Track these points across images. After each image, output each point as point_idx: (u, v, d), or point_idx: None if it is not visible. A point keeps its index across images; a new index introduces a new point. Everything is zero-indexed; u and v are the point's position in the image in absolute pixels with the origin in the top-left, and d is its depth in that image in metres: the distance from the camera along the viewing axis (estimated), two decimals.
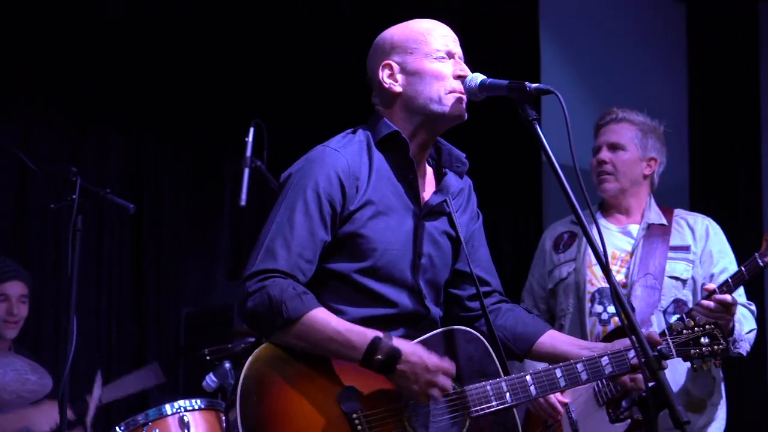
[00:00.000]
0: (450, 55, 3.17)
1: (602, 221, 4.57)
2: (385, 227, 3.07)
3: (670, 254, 4.44)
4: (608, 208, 4.61)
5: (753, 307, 4.45)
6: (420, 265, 3.14)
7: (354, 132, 3.19)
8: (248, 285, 2.92)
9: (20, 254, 5.89)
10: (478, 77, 3.13)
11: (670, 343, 3.20)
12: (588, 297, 4.47)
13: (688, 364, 3.31)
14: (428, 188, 3.24)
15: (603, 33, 8.45)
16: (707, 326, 3.26)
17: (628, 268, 4.47)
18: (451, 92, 3.12)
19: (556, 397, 4.35)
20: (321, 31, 6.96)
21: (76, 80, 6.25)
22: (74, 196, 3.88)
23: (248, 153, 4.98)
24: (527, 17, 7.99)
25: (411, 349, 2.91)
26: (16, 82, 6.07)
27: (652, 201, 4.60)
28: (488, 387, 3.04)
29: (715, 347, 3.24)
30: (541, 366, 3.32)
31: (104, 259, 6.24)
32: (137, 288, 6.41)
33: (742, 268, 4.19)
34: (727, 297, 4.10)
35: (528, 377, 3.08)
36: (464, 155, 3.30)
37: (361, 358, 2.88)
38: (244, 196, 4.91)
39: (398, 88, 3.16)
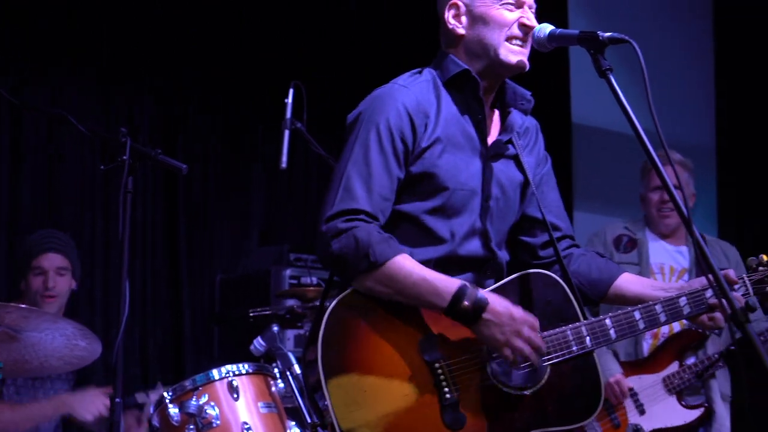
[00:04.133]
0: (519, 4, 3.10)
1: (654, 238, 5.23)
2: (454, 167, 3.03)
3: None
4: (656, 231, 5.24)
5: None
6: (488, 207, 3.10)
7: (420, 72, 3.14)
8: (332, 225, 2.87)
9: (53, 217, 5.87)
10: (547, 27, 3.07)
11: (747, 282, 3.16)
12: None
13: None
14: (493, 130, 3.18)
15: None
16: None
17: (686, 281, 4.83)
18: (510, 39, 3.07)
19: (621, 383, 4.85)
20: None
21: (107, 41, 6.22)
22: (125, 158, 3.78)
23: (288, 114, 4.90)
24: None
25: (497, 299, 2.87)
26: (46, 44, 6.02)
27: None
28: (568, 332, 3.00)
29: None
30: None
31: (138, 225, 6.21)
32: (171, 254, 6.38)
33: None
34: None
35: (607, 320, 3.03)
36: (529, 93, 3.24)
37: (446, 305, 2.84)
38: (284, 158, 4.83)
39: (461, 31, 3.12)
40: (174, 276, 6.33)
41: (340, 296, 2.88)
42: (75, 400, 4.76)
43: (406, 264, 2.86)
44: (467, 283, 2.86)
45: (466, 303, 2.82)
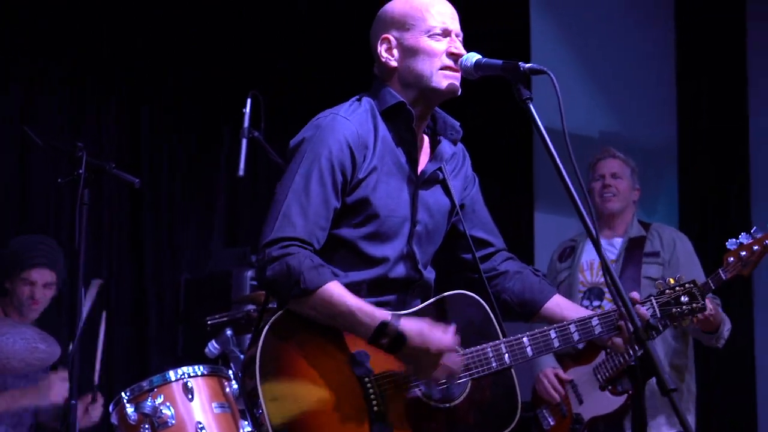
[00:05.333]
0: (446, 33, 3.25)
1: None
2: (386, 195, 3.20)
3: (645, 260, 5.33)
4: (600, 225, 5.45)
5: (718, 300, 5.12)
6: (416, 232, 3.27)
7: (359, 100, 3.29)
8: (268, 252, 3.02)
9: (23, 226, 6.00)
10: (473, 57, 3.22)
11: (654, 304, 3.38)
12: (579, 295, 5.30)
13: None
14: (423, 157, 3.35)
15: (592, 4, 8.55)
16: (687, 285, 3.45)
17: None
18: (442, 69, 3.22)
19: (560, 376, 5.17)
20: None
21: (74, 51, 6.34)
22: (80, 171, 3.96)
23: (246, 124, 5.04)
24: None
25: (417, 331, 3.03)
26: (14, 53, 6.15)
27: (635, 219, 5.53)
28: (489, 349, 3.18)
29: (694, 305, 3.44)
30: None
31: (104, 227, 6.35)
32: (137, 256, 6.53)
33: (709, 281, 4.78)
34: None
35: (525, 339, 3.22)
36: (458, 124, 3.41)
37: (369, 338, 3.02)
38: (242, 166, 4.97)
39: (394, 63, 3.27)
40: (139, 277, 6.49)
41: (275, 317, 3.05)
42: (42, 388, 4.96)
43: (335, 293, 3.01)
44: (389, 318, 3.02)
45: (385, 340, 3.00)
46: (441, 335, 3.04)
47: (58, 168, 5.97)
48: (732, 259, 4.71)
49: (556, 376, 5.22)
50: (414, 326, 3.04)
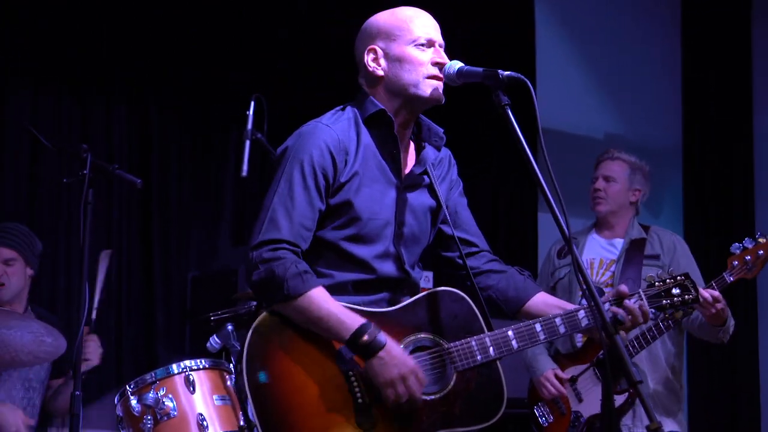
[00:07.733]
0: (430, 43, 3.41)
1: (594, 235, 5.60)
2: (369, 198, 3.35)
3: (645, 262, 5.36)
4: (600, 224, 5.58)
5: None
6: (401, 233, 3.42)
7: (343, 109, 3.46)
8: (255, 255, 3.20)
9: (32, 225, 6.08)
10: (456, 64, 3.38)
11: (643, 296, 3.44)
12: (579, 293, 5.18)
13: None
14: (409, 162, 3.50)
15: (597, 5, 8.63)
16: (678, 278, 3.51)
17: (613, 272, 5.35)
18: (428, 78, 3.38)
19: (557, 374, 5.21)
20: (323, 5, 7.18)
21: (82, 53, 6.47)
22: (85, 172, 4.13)
23: (249, 126, 5.19)
24: None
25: (395, 348, 3.19)
26: (22, 55, 6.29)
27: (635, 221, 5.55)
28: (473, 342, 3.32)
29: (686, 296, 3.48)
30: None
31: (113, 226, 6.49)
32: (145, 254, 6.67)
33: (713, 284, 4.94)
34: (715, 292, 4.88)
35: (510, 332, 3.34)
36: (442, 130, 3.56)
37: (348, 337, 3.16)
38: (245, 167, 5.11)
39: (381, 72, 3.43)
40: (148, 274, 6.63)
41: (263, 315, 3.22)
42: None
43: (317, 298, 3.17)
44: (371, 322, 3.17)
45: (366, 338, 3.14)
46: (414, 363, 3.19)
47: (68, 170, 6.13)
48: (736, 262, 4.87)
49: (556, 376, 5.28)
50: (395, 344, 3.20)
